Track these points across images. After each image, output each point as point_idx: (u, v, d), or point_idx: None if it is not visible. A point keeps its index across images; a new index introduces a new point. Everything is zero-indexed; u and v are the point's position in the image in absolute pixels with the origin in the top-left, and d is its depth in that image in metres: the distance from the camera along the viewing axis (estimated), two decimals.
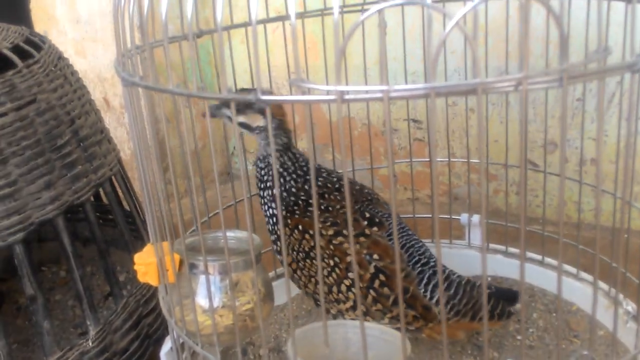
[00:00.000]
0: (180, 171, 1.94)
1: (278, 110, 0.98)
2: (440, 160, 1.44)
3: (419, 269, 0.94)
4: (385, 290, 0.92)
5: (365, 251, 0.93)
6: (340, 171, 1.04)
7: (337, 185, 1.01)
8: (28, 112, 0.97)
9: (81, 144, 1.05)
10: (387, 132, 0.51)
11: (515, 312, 0.92)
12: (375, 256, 0.93)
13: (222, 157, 2.02)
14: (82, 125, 1.07)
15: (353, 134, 1.73)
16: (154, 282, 0.82)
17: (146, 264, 0.82)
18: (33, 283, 0.93)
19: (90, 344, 0.99)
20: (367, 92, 0.51)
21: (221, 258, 0.82)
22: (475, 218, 1.20)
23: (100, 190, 1.12)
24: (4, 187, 0.91)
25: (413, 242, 0.98)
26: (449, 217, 1.23)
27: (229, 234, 0.90)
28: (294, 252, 0.97)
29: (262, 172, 1.00)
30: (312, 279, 0.97)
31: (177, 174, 2.00)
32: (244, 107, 0.94)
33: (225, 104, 0.94)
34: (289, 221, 0.97)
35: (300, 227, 0.97)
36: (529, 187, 1.30)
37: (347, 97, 0.51)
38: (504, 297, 0.91)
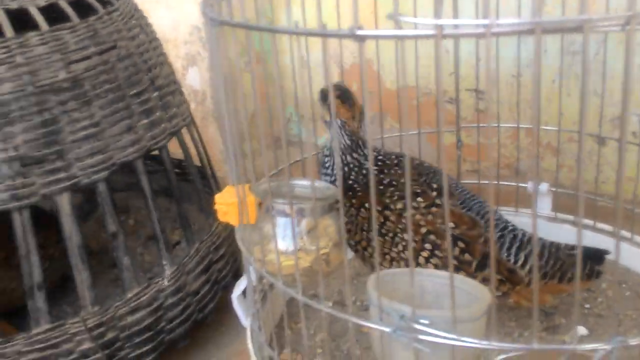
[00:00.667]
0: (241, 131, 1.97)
1: (344, 112, 1.00)
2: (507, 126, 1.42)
3: (498, 233, 0.94)
4: (467, 256, 0.92)
5: (439, 221, 0.93)
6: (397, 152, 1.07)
7: (396, 161, 1.02)
8: (109, 57, 0.99)
9: (157, 92, 1.08)
10: (486, 71, 0.50)
11: (603, 272, 0.91)
12: (451, 224, 0.93)
13: (278, 123, 2.04)
14: (157, 74, 1.09)
15: (413, 103, 1.72)
16: (234, 221, 0.84)
17: (227, 204, 0.84)
18: (115, 221, 0.96)
19: (166, 282, 1.02)
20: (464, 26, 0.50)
21: (301, 203, 0.84)
22: (544, 186, 1.19)
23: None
24: (89, 127, 0.94)
25: (487, 209, 0.98)
26: (515, 184, 1.22)
27: (304, 182, 0.91)
28: (364, 232, 0.98)
29: (325, 159, 1.04)
30: (386, 256, 0.97)
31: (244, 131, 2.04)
32: (323, 101, 1.03)
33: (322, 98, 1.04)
34: (353, 201, 0.98)
35: (366, 205, 0.98)
36: (595, 161, 1.27)
37: (446, 32, 0.51)
38: (591, 257, 0.90)
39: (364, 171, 1.01)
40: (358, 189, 1.00)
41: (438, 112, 1.22)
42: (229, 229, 1.26)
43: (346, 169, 1.02)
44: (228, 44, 0.79)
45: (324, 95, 1.04)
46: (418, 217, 0.93)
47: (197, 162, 1.23)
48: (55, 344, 0.93)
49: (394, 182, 0.98)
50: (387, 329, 0.65)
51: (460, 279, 0.80)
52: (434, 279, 0.78)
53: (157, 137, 1.05)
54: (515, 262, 0.91)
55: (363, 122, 1.02)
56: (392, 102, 1.78)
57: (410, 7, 1.15)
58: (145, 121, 1.03)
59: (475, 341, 0.61)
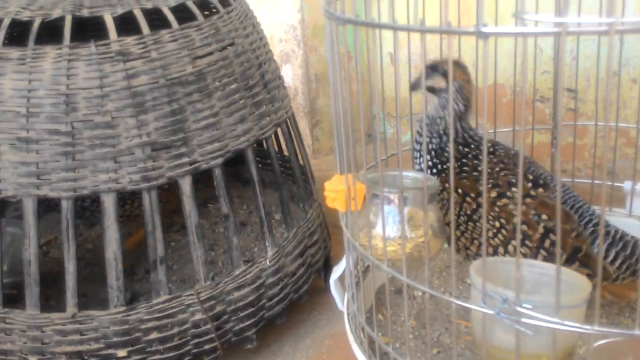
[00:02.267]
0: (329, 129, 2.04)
1: (461, 74, 1.03)
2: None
3: (591, 229, 0.96)
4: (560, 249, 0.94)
5: (532, 212, 0.96)
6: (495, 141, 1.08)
7: (491, 149, 1.05)
8: (228, 53, 1.08)
9: (266, 86, 1.16)
10: (606, 73, 0.54)
11: None
12: (544, 216, 0.95)
13: (366, 119, 2.10)
14: (267, 70, 1.18)
15: (501, 101, 1.74)
16: (342, 208, 0.91)
17: (336, 191, 0.90)
18: (227, 203, 1.05)
19: (268, 262, 1.10)
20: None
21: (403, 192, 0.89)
22: (639, 186, 1.19)
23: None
24: (209, 117, 1.03)
25: (581, 204, 1.00)
26: (610, 183, 1.23)
27: (407, 173, 0.96)
28: (459, 217, 1.02)
29: (422, 125, 1.08)
30: (475, 241, 1.01)
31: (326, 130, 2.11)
32: (431, 72, 1.04)
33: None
34: (447, 185, 1.03)
35: (460, 190, 1.01)
36: None
37: (571, 29, 0.55)
38: None
39: (465, 149, 1.04)
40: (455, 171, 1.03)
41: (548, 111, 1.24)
42: (322, 217, 1.33)
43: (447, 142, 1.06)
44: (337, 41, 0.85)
45: (433, 67, 1.06)
46: (511, 207, 0.96)
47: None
48: (172, 314, 1.02)
49: (488, 171, 1.01)
50: (490, 312, 0.70)
51: (561, 270, 0.83)
52: (533, 269, 0.82)
53: (265, 127, 1.13)
54: (605, 257, 0.93)
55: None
56: (481, 101, 1.80)
57: (532, 5, 1.16)
58: (255, 113, 1.11)
59: (578, 325, 0.65)
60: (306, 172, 1.31)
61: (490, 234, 0.99)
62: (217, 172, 1.04)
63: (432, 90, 1.06)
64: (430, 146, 1.06)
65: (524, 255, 0.96)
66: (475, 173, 1.02)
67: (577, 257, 0.93)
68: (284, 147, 1.33)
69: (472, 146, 1.05)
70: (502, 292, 0.70)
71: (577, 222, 0.96)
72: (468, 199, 1.00)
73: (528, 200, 0.97)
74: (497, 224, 0.98)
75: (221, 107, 1.05)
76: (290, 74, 2.00)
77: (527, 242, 0.96)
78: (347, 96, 0.86)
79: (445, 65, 1.03)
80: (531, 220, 0.96)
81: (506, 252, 0.98)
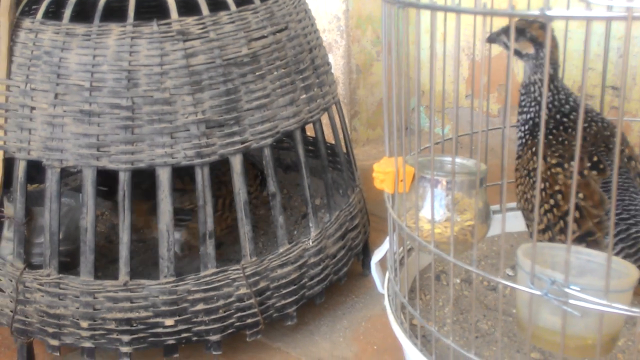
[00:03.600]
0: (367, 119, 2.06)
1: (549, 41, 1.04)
2: None
3: (617, 222, 0.96)
4: (574, 226, 0.96)
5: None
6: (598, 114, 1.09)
7: (585, 124, 1.04)
8: (281, 37, 1.11)
9: (316, 70, 1.19)
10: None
11: None
12: (580, 195, 0.97)
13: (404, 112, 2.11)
14: (317, 55, 1.20)
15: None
16: (389, 189, 0.93)
17: (384, 173, 0.93)
18: (275, 182, 1.08)
19: (311, 243, 1.13)
20: None
21: (449, 176, 0.91)
22: None
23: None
24: (262, 98, 1.06)
25: (628, 199, 1.00)
26: None
27: (456, 159, 0.98)
28: (523, 170, 1.06)
29: (521, 98, 1.08)
30: (525, 195, 1.04)
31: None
32: (517, 35, 1.03)
33: (504, 31, 1.06)
34: (529, 142, 1.06)
35: (533, 149, 1.05)
36: None
37: (636, 14, 0.56)
38: None
39: (558, 110, 1.05)
40: (538, 133, 1.04)
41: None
42: (362, 203, 1.36)
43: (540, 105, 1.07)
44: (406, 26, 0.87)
45: (520, 30, 1.03)
46: (561, 176, 0.98)
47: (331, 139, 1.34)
48: (218, 287, 1.06)
49: (565, 142, 1.02)
50: (538, 292, 0.71)
51: (607, 256, 0.84)
52: (580, 256, 0.83)
53: (313, 111, 1.16)
54: (613, 249, 0.93)
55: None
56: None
57: None
58: (304, 96, 1.14)
59: (626, 308, 0.66)
60: (350, 157, 1.34)
61: (532, 192, 1.03)
62: (267, 152, 1.07)
63: (518, 54, 1.05)
64: (527, 116, 1.07)
65: (548, 222, 1.00)
66: (558, 145, 1.03)
67: (587, 240, 0.95)
68: (326, 134, 1.35)
69: (572, 116, 1.05)
70: (551, 273, 0.71)
71: (605, 211, 0.97)
72: (535, 157, 1.04)
73: (578, 177, 0.98)
74: (542, 186, 1.00)
75: (273, 88, 1.08)
76: (332, 64, 2.03)
77: (554, 209, 0.99)
78: (402, 82, 0.88)
79: (532, 29, 1.02)
80: (568, 193, 0.98)
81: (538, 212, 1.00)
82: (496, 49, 1.79)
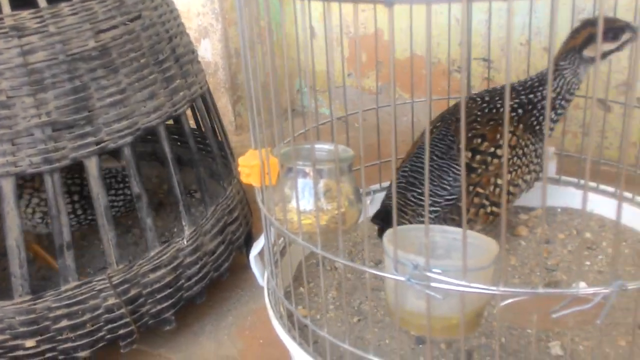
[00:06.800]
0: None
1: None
2: None
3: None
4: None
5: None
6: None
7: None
8: (135, 26, 1.03)
9: (177, 60, 1.12)
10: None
11: None
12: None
13: (288, 93, 2.08)
14: (178, 43, 1.14)
15: (420, 73, 1.76)
16: (256, 183, 0.89)
17: (250, 166, 0.89)
18: (138, 183, 1.01)
19: (185, 242, 1.08)
20: None
21: (316, 164, 0.89)
22: (549, 150, 1.24)
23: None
24: (115, 94, 0.98)
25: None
26: None
27: (324, 146, 0.96)
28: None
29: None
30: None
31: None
32: (612, 35, 0.97)
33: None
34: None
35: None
36: (599, 127, 1.32)
37: None
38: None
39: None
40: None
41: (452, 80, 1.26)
42: (242, 194, 1.32)
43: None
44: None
45: (619, 29, 0.95)
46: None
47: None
48: (83, 300, 0.99)
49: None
50: (401, 278, 0.71)
51: (470, 233, 0.85)
52: (446, 234, 0.84)
53: (177, 103, 1.10)
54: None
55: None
56: (401, 72, 1.83)
57: None
58: (166, 88, 1.07)
59: (484, 287, 0.67)
60: (224, 148, 1.29)
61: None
62: (127, 152, 1.00)
63: (603, 56, 0.97)
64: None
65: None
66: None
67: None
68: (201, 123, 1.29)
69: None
70: (414, 258, 0.71)
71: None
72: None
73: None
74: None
75: (128, 83, 1.00)
76: (210, 49, 1.95)
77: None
78: (269, 70, 0.84)
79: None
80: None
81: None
82: (372, 26, 1.79)
